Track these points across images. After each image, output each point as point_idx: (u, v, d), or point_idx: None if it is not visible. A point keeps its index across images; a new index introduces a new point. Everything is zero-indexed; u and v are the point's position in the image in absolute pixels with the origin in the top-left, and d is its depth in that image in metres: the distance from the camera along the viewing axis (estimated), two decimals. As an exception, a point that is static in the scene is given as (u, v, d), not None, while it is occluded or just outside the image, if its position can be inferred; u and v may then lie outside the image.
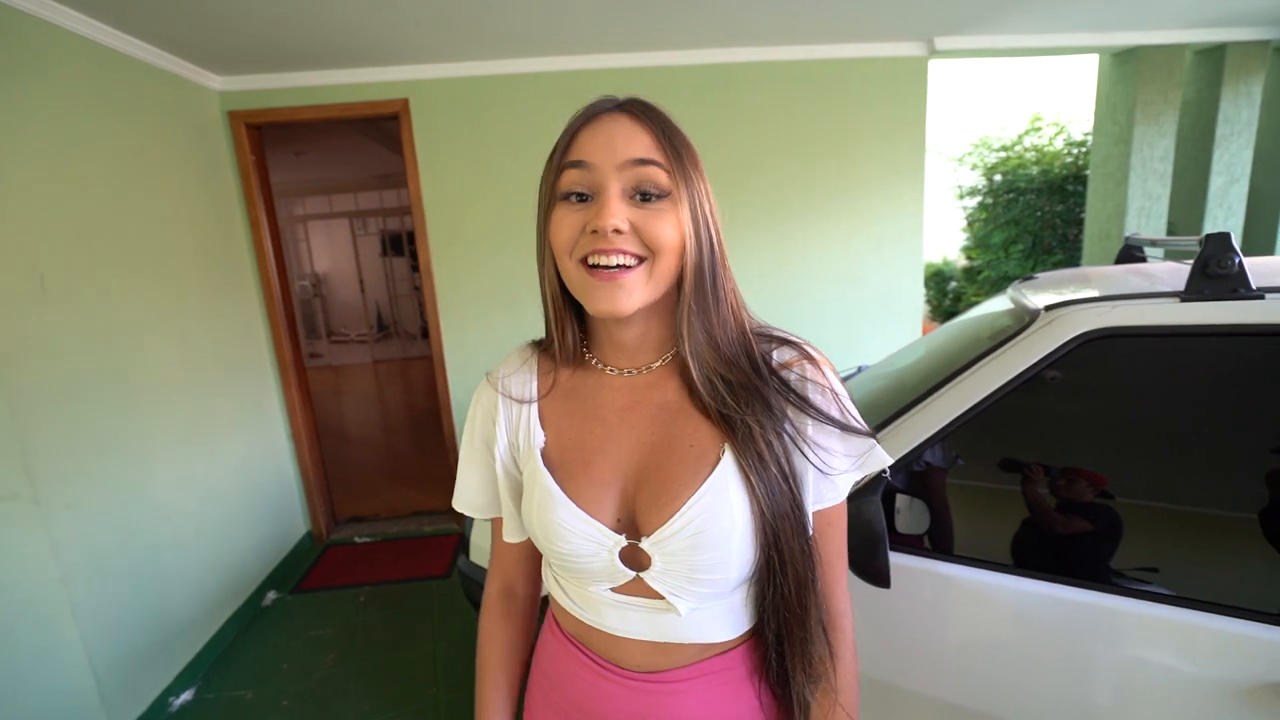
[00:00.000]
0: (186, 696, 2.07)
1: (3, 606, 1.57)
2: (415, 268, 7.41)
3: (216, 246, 2.56)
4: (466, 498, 0.72)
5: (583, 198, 0.57)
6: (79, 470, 1.76)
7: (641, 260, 0.56)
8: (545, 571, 0.73)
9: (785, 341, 0.63)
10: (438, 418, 3.12)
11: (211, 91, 2.62)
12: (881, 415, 1.14)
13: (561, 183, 0.57)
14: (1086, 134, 4.80)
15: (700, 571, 0.58)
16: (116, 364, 1.95)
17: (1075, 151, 4.93)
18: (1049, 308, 1.05)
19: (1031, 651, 0.99)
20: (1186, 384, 0.98)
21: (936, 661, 1.07)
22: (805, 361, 0.61)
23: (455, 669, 2.13)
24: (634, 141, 0.56)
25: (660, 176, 0.55)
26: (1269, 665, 0.85)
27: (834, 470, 0.60)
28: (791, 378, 0.60)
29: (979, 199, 5.65)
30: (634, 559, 0.60)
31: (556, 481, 0.62)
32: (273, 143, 2.96)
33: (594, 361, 0.67)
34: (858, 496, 0.99)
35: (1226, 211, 3.41)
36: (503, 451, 0.68)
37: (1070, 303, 1.04)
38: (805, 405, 0.59)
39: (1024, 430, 1.09)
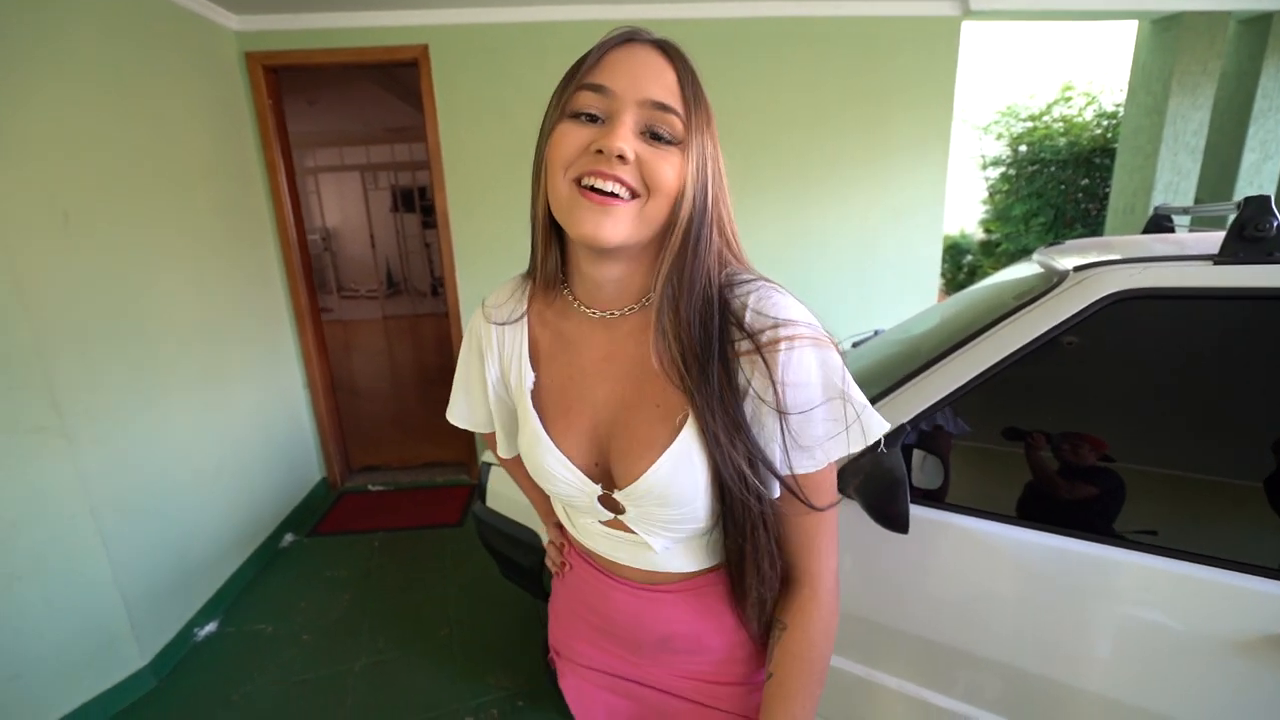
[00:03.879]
0: (210, 628, 2.16)
1: (36, 534, 1.63)
2: (427, 224, 7.37)
3: (234, 190, 2.55)
4: (460, 413, 0.79)
5: (593, 119, 0.55)
6: (103, 407, 1.80)
7: (635, 196, 0.55)
8: (554, 500, 0.79)
9: (763, 311, 0.58)
10: (451, 373, 3.14)
11: (228, 30, 2.57)
12: (901, 374, 1.15)
13: (576, 100, 0.56)
14: (1118, 105, 4.67)
15: (670, 522, 0.63)
16: (136, 304, 1.97)
17: (1105, 124, 4.81)
18: (1078, 268, 1.05)
19: (1031, 600, 1.02)
20: (1217, 348, 0.98)
21: (944, 607, 1.10)
22: (781, 334, 0.56)
23: (466, 612, 2.20)
24: (659, 81, 0.55)
25: (676, 124, 0.55)
26: (1268, 617, 0.87)
27: (808, 441, 0.57)
28: (764, 343, 0.56)
29: (1002, 170, 5.53)
30: (611, 504, 0.65)
31: (543, 423, 0.66)
32: (286, 89, 2.92)
33: (576, 304, 0.67)
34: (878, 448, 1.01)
35: (1257, 189, 3.33)
36: (494, 378, 0.73)
37: (1100, 264, 1.03)
38: (770, 376, 0.56)
39: (1046, 391, 1.09)
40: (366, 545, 2.67)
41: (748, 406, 0.57)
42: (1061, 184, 4.90)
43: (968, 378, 1.05)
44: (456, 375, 0.78)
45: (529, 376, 0.68)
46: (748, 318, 0.57)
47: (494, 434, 0.81)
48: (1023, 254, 5.17)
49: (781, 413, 0.56)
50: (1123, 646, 0.98)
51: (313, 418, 3.09)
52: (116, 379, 1.86)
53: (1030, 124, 5.24)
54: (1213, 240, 1.07)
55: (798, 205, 2.98)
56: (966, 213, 6.27)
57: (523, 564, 1.75)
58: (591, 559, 0.75)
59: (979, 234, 6.07)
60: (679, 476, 0.59)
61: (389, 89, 4.53)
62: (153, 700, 1.85)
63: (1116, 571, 0.97)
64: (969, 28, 2.93)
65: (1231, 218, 0.98)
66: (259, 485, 2.60)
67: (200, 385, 2.26)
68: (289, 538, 2.74)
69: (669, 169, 0.55)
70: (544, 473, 0.66)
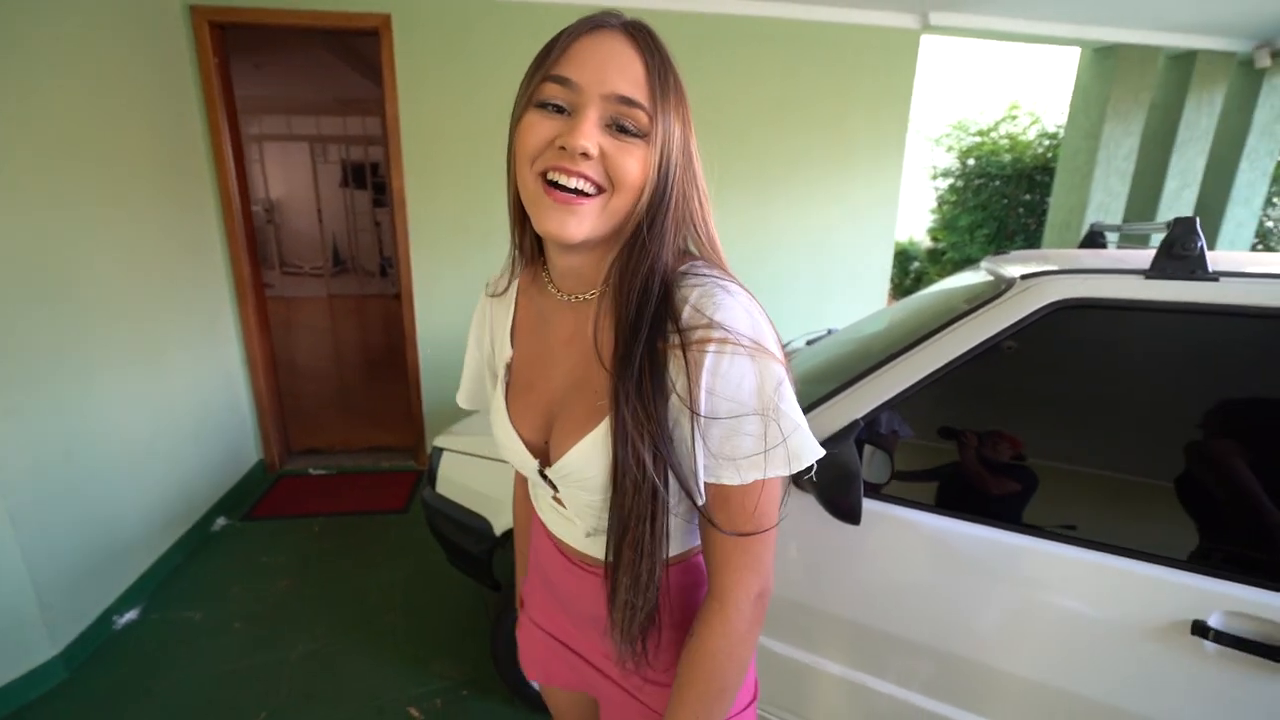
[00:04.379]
0: (131, 615, 2.04)
1: (-65, 511, 1.50)
2: (378, 202, 7.11)
3: (172, 153, 2.39)
4: (464, 393, 0.85)
5: (559, 110, 0.55)
6: (15, 375, 1.66)
7: (600, 191, 0.55)
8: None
9: (702, 309, 0.55)
10: (401, 355, 3.06)
11: (170, -18, 2.41)
12: (855, 372, 1.19)
13: (541, 91, 0.55)
14: (1059, 126, 4.94)
15: (589, 506, 0.65)
16: (61, 266, 1.83)
17: (1046, 143, 5.08)
18: (1024, 277, 1.11)
19: (959, 587, 1.08)
20: (1144, 355, 1.05)
21: (881, 594, 1.15)
22: (713, 335, 0.53)
23: (411, 600, 2.15)
24: (626, 73, 0.54)
25: (641, 118, 0.54)
26: (1176, 605, 0.95)
27: (728, 452, 0.55)
28: (691, 341, 0.54)
29: (951, 181, 5.77)
30: (549, 480, 0.67)
31: (508, 395, 0.71)
32: (232, 49, 2.76)
33: (549, 285, 0.69)
34: (833, 442, 1.05)
35: (1176, 213, 3.59)
36: (485, 349, 0.80)
37: (1045, 273, 1.09)
38: (689, 376, 0.54)
39: (991, 392, 1.15)
40: (306, 530, 2.57)
41: (672, 404, 0.56)
42: (1005, 198, 5.17)
43: (921, 375, 1.10)
44: (467, 357, 0.83)
45: (506, 350, 0.72)
46: (685, 314, 0.55)
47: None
48: (967, 263, 5.42)
49: (694, 414, 0.54)
50: (1044, 631, 1.04)
51: (251, 396, 2.95)
52: (35, 345, 1.72)
53: (979, 139, 5.50)
54: (1144, 257, 1.15)
55: (759, 200, 3.03)
56: (916, 221, 6.52)
57: (472, 551, 1.72)
58: (546, 528, 0.78)
59: (926, 242, 6.33)
60: (590, 461, 0.60)
61: (344, 58, 4.33)
62: (63, 692, 1.73)
63: (1039, 561, 1.03)
64: (927, 41, 3.04)
65: (1159, 237, 1.06)
66: (191, 465, 2.46)
67: (132, 357, 2.12)
68: (221, 521, 2.61)
69: (633, 163, 0.54)
70: (499, 439, 0.71)
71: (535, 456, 0.67)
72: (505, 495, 1.60)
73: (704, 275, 0.58)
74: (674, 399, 0.55)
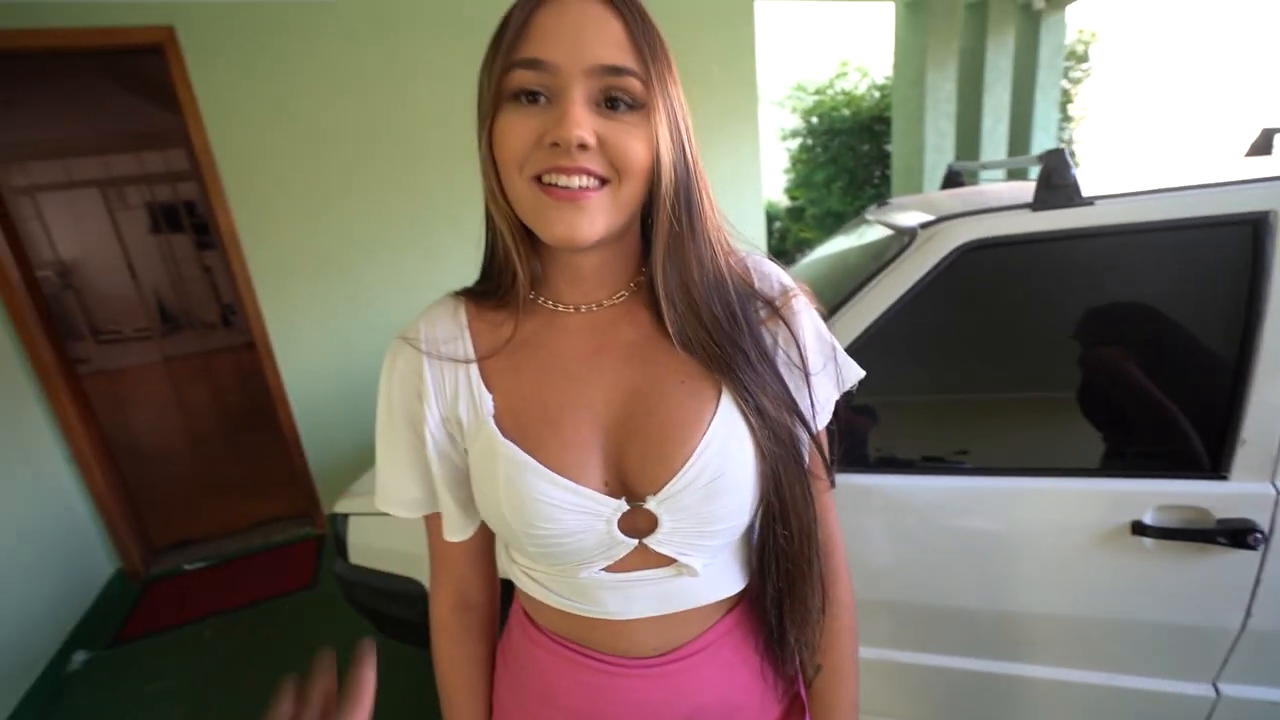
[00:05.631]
0: (-23, 806, 1.63)
1: None
2: (204, 245, 6.25)
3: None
4: (395, 493, 0.59)
5: (536, 97, 0.46)
6: None
7: (605, 182, 0.47)
8: (509, 566, 0.62)
9: (766, 274, 0.58)
10: (269, 413, 2.69)
11: None
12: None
13: (510, 80, 0.46)
14: (887, 78, 5.34)
15: (715, 522, 0.52)
16: None
17: (877, 95, 5.48)
18: (924, 225, 1.13)
19: (910, 539, 1.11)
20: (1044, 284, 1.11)
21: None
22: (791, 295, 0.57)
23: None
24: (604, 37, 0.45)
25: (635, 86, 0.46)
26: (1114, 511, 1.01)
27: (822, 398, 0.57)
28: (780, 308, 0.56)
29: (800, 140, 6.08)
30: (633, 525, 0.52)
31: (523, 448, 0.51)
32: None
33: (542, 300, 0.56)
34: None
35: (995, 147, 4.02)
36: (435, 429, 0.55)
37: (942, 219, 1.12)
38: (796, 339, 0.56)
39: (915, 341, 1.17)
40: (194, 639, 2.20)
41: (783, 373, 0.55)
42: (850, 150, 5.52)
43: (851, 339, 1.09)
44: (379, 443, 0.59)
45: (486, 401, 0.53)
46: (757, 284, 0.57)
47: (437, 516, 0.61)
48: (830, 217, 5.76)
49: (809, 374, 0.56)
50: (999, 564, 1.09)
51: (88, 499, 2.46)
52: None
53: (818, 97, 5.82)
54: (1011, 191, 1.21)
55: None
56: (772, 182, 6.82)
57: (407, 617, 1.54)
58: (580, 645, 0.58)
59: (785, 201, 6.65)
60: (730, 451, 0.51)
61: (126, 85, 3.70)
62: None
63: (977, 498, 1.07)
64: (762, 9, 3.11)
65: (1034, 171, 1.11)
66: (22, 600, 2.00)
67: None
68: (80, 656, 2.16)
69: (636, 143, 0.46)
70: (535, 509, 0.50)
71: (616, 496, 0.52)
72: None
73: (732, 247, 0.58)
74: (782, 366, 0.55)
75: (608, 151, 0.46)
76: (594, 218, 0.47)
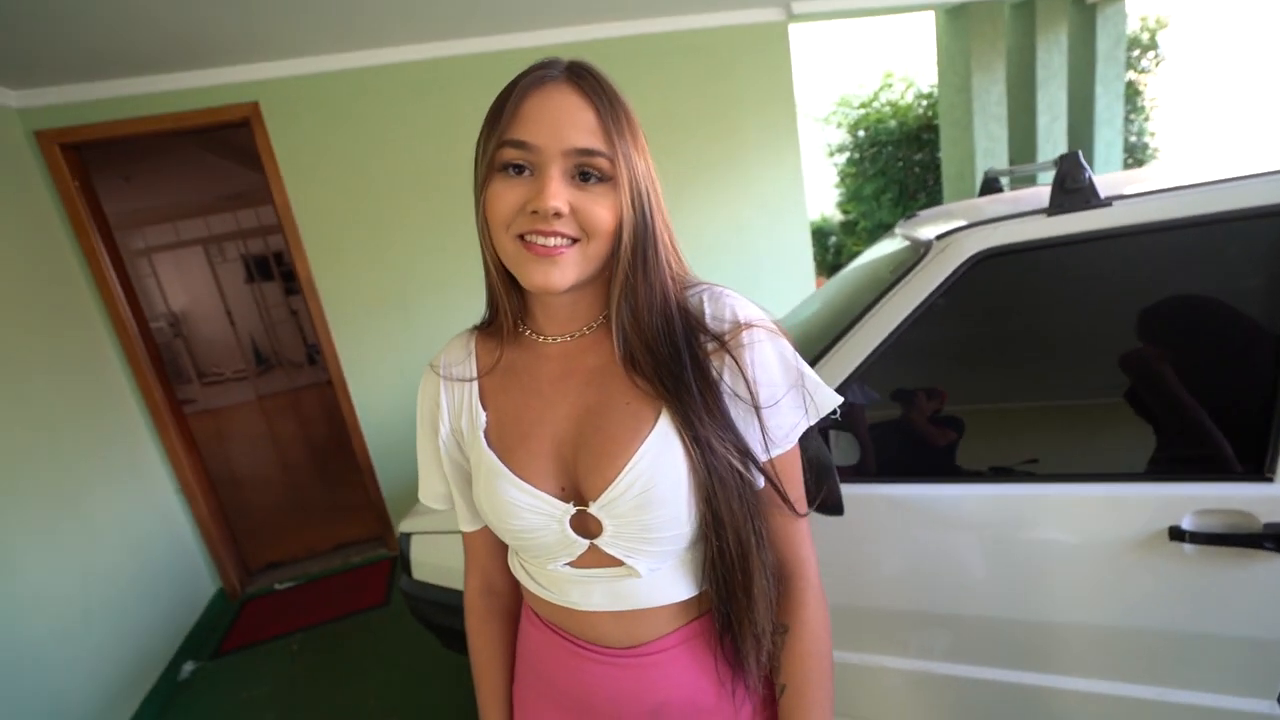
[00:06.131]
0: (104, 798, 1.83)
1: None
2: (290, 290, 6.82)
3: (46, 291, 2.21)
4: (428, 488, 0.73)
5: (521, 170, 0.56)
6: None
7: (576, 241, 0.56)
8: (511, 558, 0.72)
9: (722, 308, 0.61)
10: (346, 444, 2.91)
11: (8, 110, 2.24)
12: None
13: (500, 155, 0.56)
14: (932, 86, 5.24)
15: (652, 530, 0.58)
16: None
17: (924, 103, 5.38)
18: (939, 237, 1.14)
19: (952, 548, 1.09)
20: (1064, 287, 1.10)
21: (885, 576, 1.15)
22: (742, 329, 0.59)
23: (411, 695, 2.03)
24: (578, 123, 0.54)
25: (603, 164, 0.55)
26: (1150, 516, 0.98)
27: (780, 429, 0.60)
28: (728, 342, 0.59)
29: (847, 154, 6.03)
30: (584, 526, 0.60)
31: (499, 458, 0.62)
32: (97, 166, 2.60)
33: (528, 333, 0.67)
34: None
35: (1053, 146, 3.86)
36: (445, 438, 0.69)
37: (957, 230, 1.13)
38: (742, 373, 0.58)
39: (932, 353, 1.18)
40: (284, 651, 2.39)
41: (725, 399, 0.59)
42: (900, 161, 5.44)
43: (866, 352, 1.11)
44: (418, 453, 0.74)
45: (481, 417, 0.65)
46: (708, 320, 0.60)
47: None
48: (881, 229, 5.66)
49: (757, 408, 0.58)
50: (1036, 572, 1.06)
51: (194, 525, 2.74)
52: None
53: (863, 110, 5.77)
54: (1038, 196, 1.20)
55: (670, 208, 3.05)
56: (823, 198, 6.77)
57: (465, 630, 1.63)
58: (561, 629, 0.67)
59: (838, 216, 6.57)
60: (660, 467, 0.57)
61: (219, 153, 4.16)
62: None
63: (1015, 506, 1.05)
64: (796, 30, 3.17)
65: (1051, 175, 1.11)
66: (141, 615, 2.25)
67: (45, 517, 1.92)
68: (189, 666, 2.39)
69: (603, 211, 0.56)
70: (504, 508, 0.61)
71: (565, 501, 0.60)
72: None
73: (696, 284, 0.63)
74: (726, 397, 0.59)
75: (579, 217, 0.55)
76: (566, 270, 0.56)
